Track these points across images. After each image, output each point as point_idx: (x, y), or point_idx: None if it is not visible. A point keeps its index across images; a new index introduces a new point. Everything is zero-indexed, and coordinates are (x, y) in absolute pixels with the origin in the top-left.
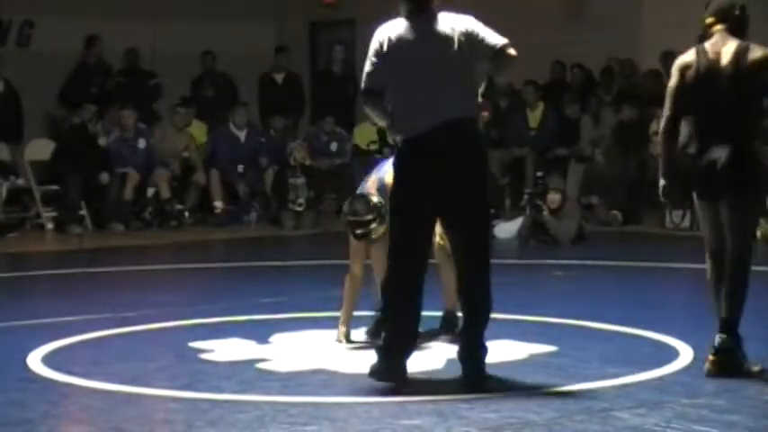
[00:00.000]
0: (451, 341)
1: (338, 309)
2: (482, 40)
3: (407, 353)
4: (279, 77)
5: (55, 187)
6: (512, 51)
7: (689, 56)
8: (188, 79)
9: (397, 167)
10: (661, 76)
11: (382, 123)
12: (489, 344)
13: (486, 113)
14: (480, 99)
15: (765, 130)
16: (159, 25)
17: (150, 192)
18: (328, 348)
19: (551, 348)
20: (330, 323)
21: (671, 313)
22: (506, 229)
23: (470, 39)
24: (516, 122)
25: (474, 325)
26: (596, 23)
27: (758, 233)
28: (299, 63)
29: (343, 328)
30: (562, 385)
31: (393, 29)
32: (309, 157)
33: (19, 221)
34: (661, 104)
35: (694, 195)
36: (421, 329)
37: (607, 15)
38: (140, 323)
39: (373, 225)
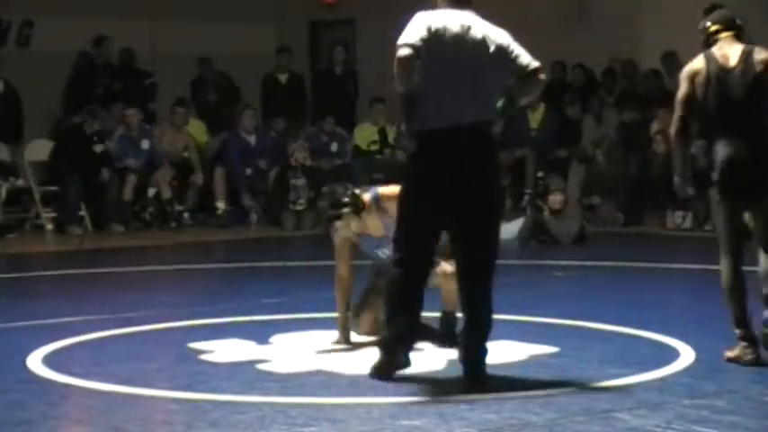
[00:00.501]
0: (450, 343)
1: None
2: (516, 58)
3: (409, 349)
4: (282, 78)
5: (55, 188)
6: (543, 76)
7: (697, 63)
8: (188, 79)
9: (414, 160)
10: (662, 77)
11: (402, 88)
12: (489, 344)
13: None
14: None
15: None
16: (159, 25)
17: (151, 192)
18: (328, 349)
19: (552, 349)
20: (330, 324)
21: (672, 314)
22: (507, 230)
23: (504, 53)
24: (517, 123)
25: (475, 326)
26: (597, 24)
27: None
28: (300, 63)
29: (342, 330)
30: (563, 386)
31: (439, 17)
32: (310, 157)
33: (19, 222)
34: (662, 104)
35: (713, 193)
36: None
37: (607, 16)
38: (140, 324)
39: (346, 209)
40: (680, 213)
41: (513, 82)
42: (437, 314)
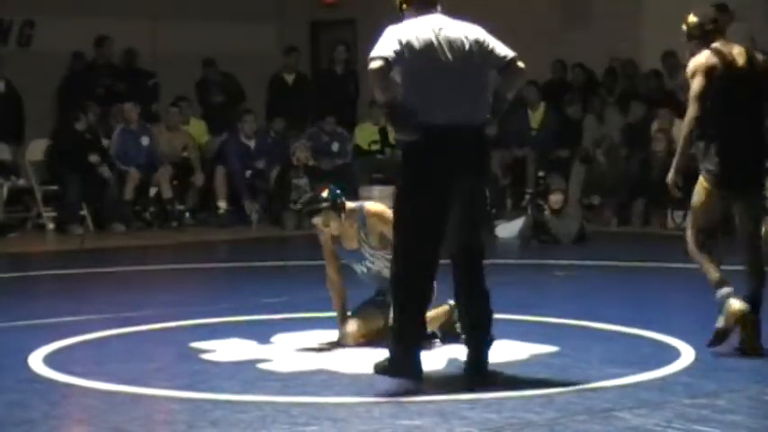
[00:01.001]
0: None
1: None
2: (492, 50)
3: (421, 347)
4: (289, 78)
5: (55, 187)
6: (521, 64)
7: (711, 58)
8: (189, 80)
9: (409, 160)
10: (662, 76)
11: (382, 97)
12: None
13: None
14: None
15: None
16: (160, 26)
17: (152, 192)
18: (329, 348)
19: (552, 348)
20: (331, 323)
21: (672, 313)
22: (508, 229)
23: (482, 48)
24: (517, 122)
25: (478, 327)
26: (597, 24)
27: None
28: (300, 63)
29: (342, 329)
30: (563, 385)
31: (407, 28)
32: (312, 157)
33: (20, 221)
34: (662, 104)
35: (705, 181)
36: None
37: (607, 16)
38: (141, 323)
39: (325, 204)
40: (680, 212)
41: (496, 80)
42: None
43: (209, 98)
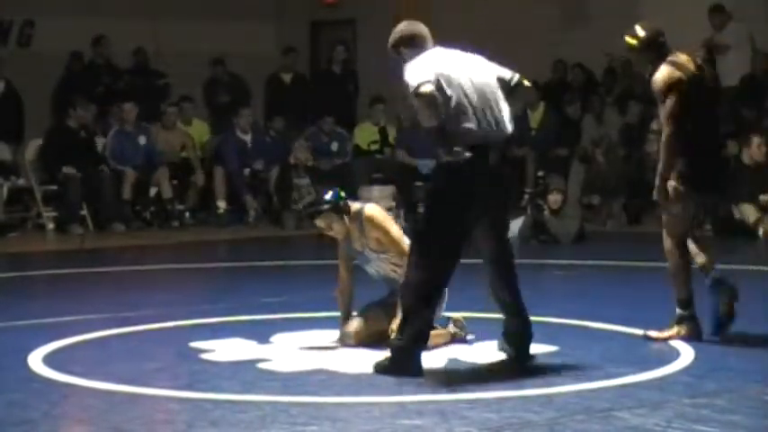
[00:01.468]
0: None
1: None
2: (499, 72)
3: (423, 349)
4: (287, 78)
5: (55, 187)
6: (527, 82)
7: (676, 72)
8: (189, 79)
9: (452, 178)
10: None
11: (433, 122)
12: (489, 344)
13: None
14: None
15: None
16: (160, 25)
17: (152, 192)
18: (329, 348)
19: (552, 348)
20: (331, 323)
21: (672, 313)
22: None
23: (492, 70)
24: (517, 122)
25: (526, 323)
26: (597, 24)
27: (761, 230)
28: (300, 63)
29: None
30: (563, 385)
31: (431, 56)
32: (312, 157)
33: (20, 221)
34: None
35: (680, 187)
36: None
37: (607, 16)
38: (141, 323)
39: (326, 206)
40: None
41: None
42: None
43: (215, 98)
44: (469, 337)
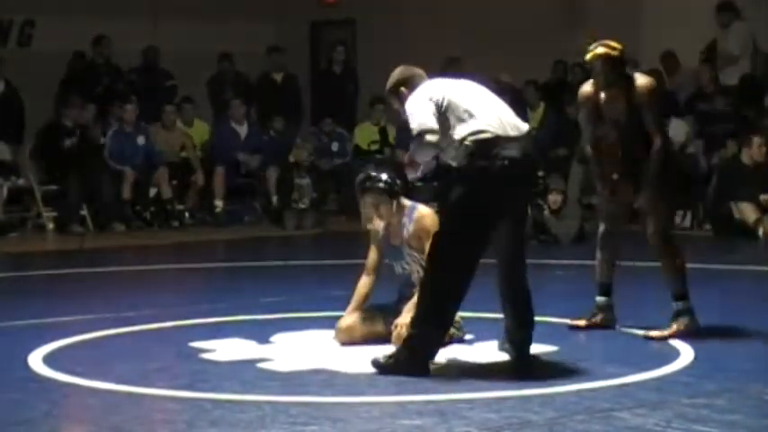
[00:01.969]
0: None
1: (339, 308)
2: None
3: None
4: (278, 77)
5: (55, 187)
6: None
7: (654, 80)
8: (189, 79)
9: (482, 184)
10: (661, 76)
11: (428, 160)
12: (489, 344)
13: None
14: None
15: None
16: (160, 25)
17: (152, 192)
18: (329, 348)
19: (552, 348)
20: (331, 323)
21: (671, 313)
22: None
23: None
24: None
25: (528, 325)
26: (597, 24)
27: (761, 230)
28: (300, 63)
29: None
30: (563, 385)
31: (430, 85)
32: (312, 157)
33: (20, 221)
34: (660, 104)
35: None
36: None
37: (607, 16)
38: (141, 323)
39: (382, 185)
40: (679, 212)
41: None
42: None
43: (220, 95)
44: (469, 336)
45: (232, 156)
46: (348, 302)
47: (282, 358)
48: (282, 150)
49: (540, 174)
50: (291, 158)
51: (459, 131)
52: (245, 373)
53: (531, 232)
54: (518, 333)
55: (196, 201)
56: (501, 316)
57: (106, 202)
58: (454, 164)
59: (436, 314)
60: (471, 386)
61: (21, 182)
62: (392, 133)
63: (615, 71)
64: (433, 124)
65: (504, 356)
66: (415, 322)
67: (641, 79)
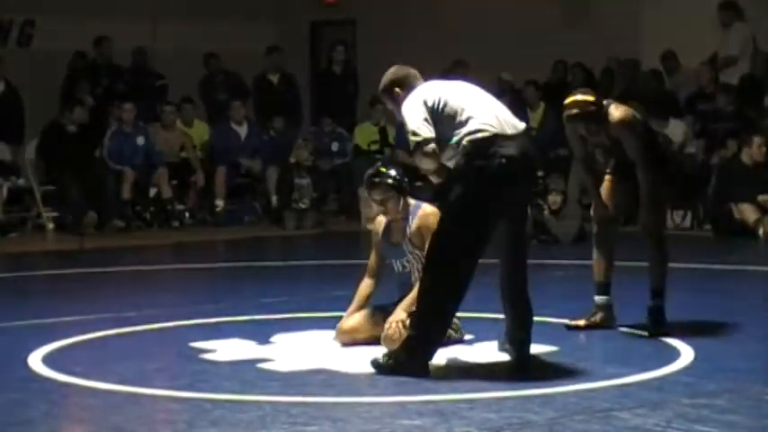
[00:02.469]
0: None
1: (339, 309)
2: None
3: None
4: (275, 78)
5: (54, 187)
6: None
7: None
8: (188, 79)
9: (492, 180)
10: (661, 76)
11: (432, 170)
12: (489, 344)
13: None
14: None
15: None
16: (160, 25)
17: (152, 192)
18: (329, 348)
19: (552, 348)
20: (331, 323)
21: (671, 313)
22: None
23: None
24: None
25: (527, 324)
26: (597, 24)
27: (761, 230)
28: (300, 63)
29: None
30: (563, 385)
31: (423, 88)
32: (313, 157)
33: (20, 221)
34: (660, 104)
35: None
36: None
37: (607, 15)
38: (141, 323)
39: (390, 181)
40: (679, 212)
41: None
42: None
43: (213, 96)
44: (469, 336)
45: (232, 158)
46: (349, 303)
47: (282, 358)
48: (282, 150)
49: (540, 174)
50: (292, 159)
51: (457, 132)
52: (245, 373)
53: (531, 232)
54: (518, 333)
55: (196, 201)
56: (501, 316)
57: (106, 202)
58: (451, 164)
59: (435, 314)
60: (471, 386)
61: (21, 182)
62: (392, 133)
63: (593, 121)
64: (429, 133)
65: (504, 356)
66: (414, 322)
67: (615, 113)
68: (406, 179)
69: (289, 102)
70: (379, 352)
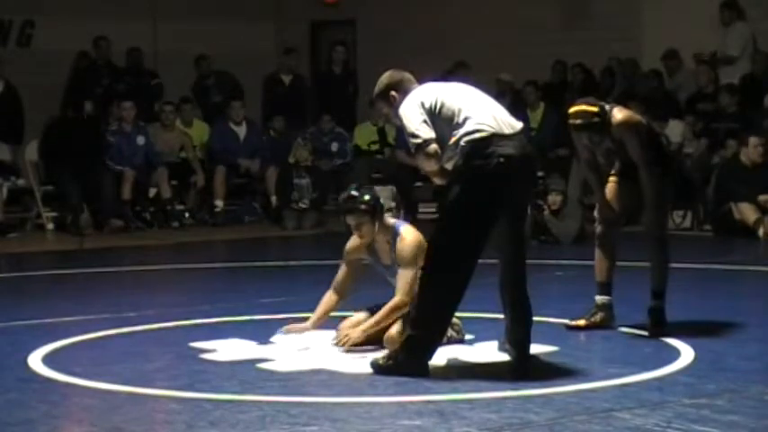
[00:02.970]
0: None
1: (339, 309)
2: None
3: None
4: (286, 79)
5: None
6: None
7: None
8: (189, 79)
9: (491, 179)
10: (662, 76)
11: (436, 169)
12: (489, 344)
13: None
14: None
15: None
16: (160, 25)
17: (152, 192)
18: (329, 348)
19: (552, 348)
20: (331, 323)
21: (671, 313)
22: None
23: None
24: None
25: (526, 322)
26: (597, 24)
27: (761, 230)
28: (300, 63)
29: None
30: (563, 385)
31: (420, 90)
32: (312, 157)
33: (20, 222)
34: (660, 105)
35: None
36: None
37: (607, 15)
38: (141, 323)
39: (364, 206)
40: (679, 212)
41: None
42: None
43: (207, 98)
44: (469, 337)
45: (231, 158)
46: (349, 303)
47: (282, 358)
48: (282, 150)
49: (540, 174)
50: (291, 159)
51: (455, 132)
52: (245, 373)
53: (531, 232)
54: (518, 333)
55: (196, 201)
56: (501, 316)
57: (106, 202)
58: (450, 165)
59: (435, 314)
60: (471, 386)
61: (21, 182)
62: (392, 133)
63: (596, 133)
64: (429, 133)
65: (504, 356)
66: (414, 323)
67: (618, 115)
68: (381, 201)
69: (297, 103)
70: (378, 353)
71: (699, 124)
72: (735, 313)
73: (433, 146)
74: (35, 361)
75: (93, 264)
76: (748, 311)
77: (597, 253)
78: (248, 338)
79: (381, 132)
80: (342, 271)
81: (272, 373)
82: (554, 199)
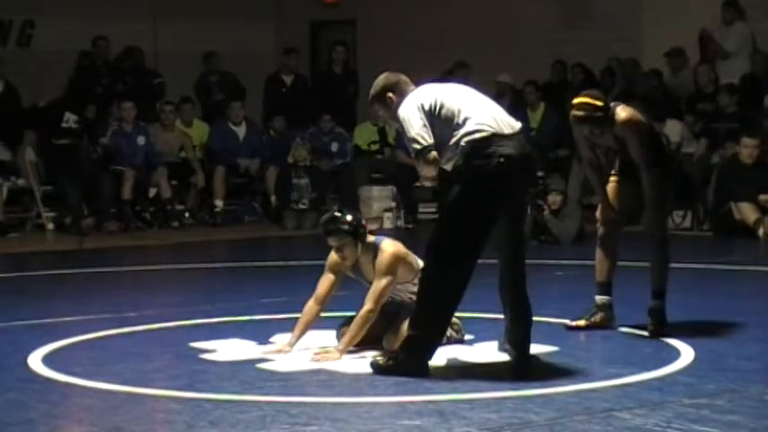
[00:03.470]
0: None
1: (339, 309)
2: None
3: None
4: (288, 79)
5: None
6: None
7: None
8: (189, 79)
9: (491, 179)
10: (662, 76)
11: (431, 175)
12: (489, 344)
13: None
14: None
15: None
16: (160, 25)
17: (152, 192)
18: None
19: (552, 348)
20: (331, 323)
21: (671, 313)
22: None
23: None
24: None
25: (526, 321)
26: (597, 23)
27: (761, 230)
28: (300, 63)
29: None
30: (563, 385)
31: (417, 93)
32: (312, 157)
33: (20, 222)
34: (661, 104)
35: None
36: None
37: (607, 15)
38: (141, 323)
39: (345, 227)
40: (679, 212)
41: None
42: None
43: (209, 96)
44: (469, 337)
45: (230, 158)
46: (349, 303)
47: (282, 358)
48: (282, 150)
49: (540, 174)
50: (290, 159)
51: (455, 133)
52: (245, 373)
53: (531, 232)
54: (518, 333)
55: (196, 201)
56: (501, 316)
57: (105, 202)
58: (449, 165)
59: (435, 314)
60: (471, 386)
61: (21, 182)
62: (392, 133)
63: (597, 126)
64: (429, 139)
65: (504, 356)
66: (414, 323)
67: (621, 114)
68: (363, 222)
69: (298, 103)
70: (378, 353)
71: (698, 124)
72: (735, 313)
73: (433, 153)
74: (35, 361)
75: (93, 264)
76: (748, 311)
77: (598, 253)
78: (248, 338)
79: (381, 132)
80: (324, 282)
81: (272, 373)
82: (554, 199)
